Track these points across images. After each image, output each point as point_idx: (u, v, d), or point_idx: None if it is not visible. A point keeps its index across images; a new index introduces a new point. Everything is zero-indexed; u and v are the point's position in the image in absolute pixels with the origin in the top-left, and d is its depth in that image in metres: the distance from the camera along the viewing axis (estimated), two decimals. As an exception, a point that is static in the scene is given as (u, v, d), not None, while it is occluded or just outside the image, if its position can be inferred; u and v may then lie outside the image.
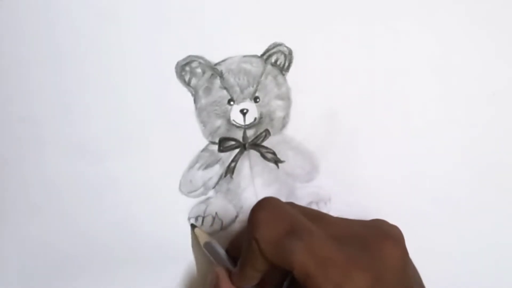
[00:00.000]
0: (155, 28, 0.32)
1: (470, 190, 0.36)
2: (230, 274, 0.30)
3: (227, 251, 0.33)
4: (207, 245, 0.33)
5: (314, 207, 0.35)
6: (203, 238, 0.33)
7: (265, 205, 0.28)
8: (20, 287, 0.33)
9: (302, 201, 0.35)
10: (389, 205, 0.35)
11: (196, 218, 0.34)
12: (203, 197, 0.34)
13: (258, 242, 0.27)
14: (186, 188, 0.34)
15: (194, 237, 0.34)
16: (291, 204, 0.30)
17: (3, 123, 0.32)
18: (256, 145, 0.34)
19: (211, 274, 0.31)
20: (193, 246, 0.34)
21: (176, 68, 0.33)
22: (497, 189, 0.37)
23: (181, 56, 0.33)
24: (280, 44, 0.33)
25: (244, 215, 0.35)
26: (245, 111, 0.34)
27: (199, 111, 0.33)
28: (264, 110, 0.34)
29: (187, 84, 0.33)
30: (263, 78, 0.34)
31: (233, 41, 0.33)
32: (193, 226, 0.34)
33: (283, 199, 0.34)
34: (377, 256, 0.26)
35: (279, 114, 0.34)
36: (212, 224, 0.34)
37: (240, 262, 0.29)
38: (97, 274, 0.34)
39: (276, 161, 0.35)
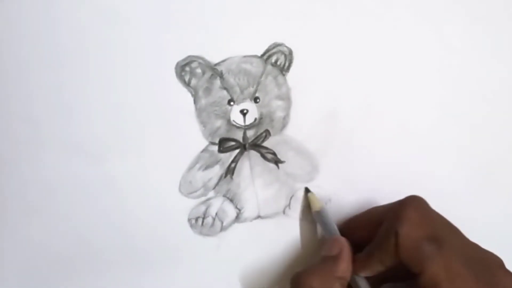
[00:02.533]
0: (155, 28, 0.32)
1: (469, 190, 0.36)
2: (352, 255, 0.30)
3: (340, 229, 0.32)
4: (318, 214, 0.33)
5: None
6: (315, 206, 0.33)
7: (414, 203, 0.28)
8: (19, 287, 0.33)
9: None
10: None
11: (196, 219, 0.34)
12: (203, 198, 0.34)
13: (398, 237, 0.27)
14: (186, 189, 0.34)
15: (306, 202, 0.34)
16: (435, 211, 0.30)
17: (3, 123, 0.32)
18: (256, 145, 0.34)
19: (332, 241, 0.31)
20: (302, 209, 0.34)
21: (176, 68, 0.33)
22: (497, 189, 0.37)
23: (181, 56, 0.33)
24: (280, 44, 0.33)
25: (245, 215, 0.34)
26: (245, 111, 0.34)
27: (199, 111, 0.33)
28: (264, 110, 0.34)
29: (187, 84, 0.33)
30: (263, 78, 0.34)
31: (233, 41, 0.33)
32: (307, 190, 0.34)
33: (283, 199, 0.35)
34: (497, 284, 0.27)
35: (279, 114, 0.34)
36: (212, 225, 0.34)
37: (369, 249, 0.29)
38: (97, 274, 0.34)
39: (276, 161, 0.34)
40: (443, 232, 0.28)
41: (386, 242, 0.28)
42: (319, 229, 0.33)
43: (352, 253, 0.30)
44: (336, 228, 0.32)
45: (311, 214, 0.34)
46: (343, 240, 0.31)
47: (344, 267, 0.29)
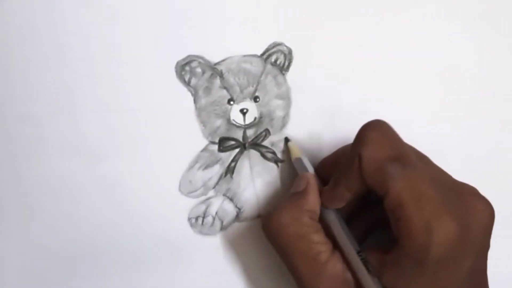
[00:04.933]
0: (155, 28, 0.32)
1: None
2: (320, 189, 0.30)
3: (316, 170, 0.32)
4: (298, 160, 0.33)
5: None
6: (295, 154, 0.33)
7: (376, 126, 0.28)
8: (19, 287, 0.33)
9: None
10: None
11: (196, 219, 0.34)
12: (203, 198, 0.34)
13: (362, 159, 0.26)
14: (186, 188, 0.34)
15: (287, 150, 0.34)
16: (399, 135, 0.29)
17: (3, 123, 0.32)
18: (256, 144, 0.34)
19: (299, 177, 0.31)
20: (284, 159, 0.34)
21: (176, 68, 0.33)
22: (497, 190, 0.37)
23: (181, 56, 0.33)
24: (280, 44, 0.34)
25: (245, 214, 0.34)
26: (245, 110, 0.34)
27: (199, 111, 0.33)
28: (264, 109, 0.34)
29: (187, 84, 0.33)
30: (263, 77, 0.34)
31: (233, 41, 0.33)
32: (286, 140, 0.34)
33: (283, 199, 0.34)
34: (469, 210, 0.26)
35: (279, 113, 0.34)
36: (212, 225, 0.34)
37: (334, 178, 0.29)
38: (97, 274, 0.34)
39: (276, 160, 0.34)
40: (407, 153, 0.27)
41: (351, 167, 0.27)
42: None
43: (321, 187, 0.30)
44: (313, 170, 0.32)
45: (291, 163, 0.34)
46: (309, 174, 0.30)
47: (310, 199, 0.29)
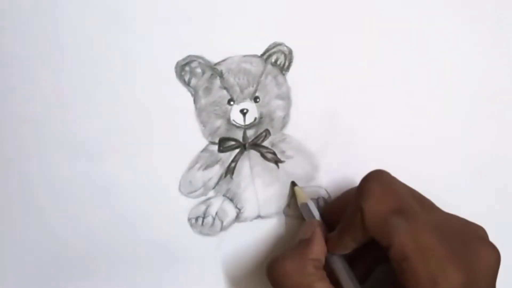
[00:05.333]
0: (155, 28, 0.32)
1: (470, 190, 0.36)
2: (325, 236, 0.30)
3: (322, 215, 0.32)
4: (304, 206, 0.33)
5: (314, 206, 0.35)
6: (301, 198, 0.33)
7: (378, 178, 0.28)
8: (20, 286, 0.33)
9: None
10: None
11: (196, 219, 0.34)
12: (203, 198, 0.34)
13: (363, 212, 0.27)
14: (186, 188, 0.34)
15: (293, 195, 0.34)
16: (402, 183, 0.29)
17: (4, 123, 0.32)
18: (256, 145, 0.34)
19: (305, 224, 0.31)
20: (289, 203, 0.34)
21: (176, 68, 0.33)
22: (497, 190, 0.37)
23: (181, 56, 0.33)
24: (280, 44, 0.33)
25: (245, 214, 0.34)
26: (245, 111, 0.34)
27: (199, 111, 0.33)
28: (264, 110, 0.34)
29: (187, 84, 0.33)
30: (263, 78, 0.34)
31: (233, 41, 0.33)
32: (293, 184, 0.34)
33: (283, 199, 0.34)
34: (474, 257, 0.26)
35: (279, 114, 0.34)
36: (212, 225, 0.34)
37: (339, 227, 0.29)
38: (97, 274, 0.34)
39: (276, 161, 0.34)
40: (410, 204, 0.27)
41: (353, 219, 0.27)
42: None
43: (327, 233, 0.30)
44: (318, 216, 0.32)
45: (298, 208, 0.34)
46: (315, 222, 0.31)
47: (316, 248, 0.29)
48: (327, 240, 0.30)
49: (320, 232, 0.30)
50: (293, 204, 0.34)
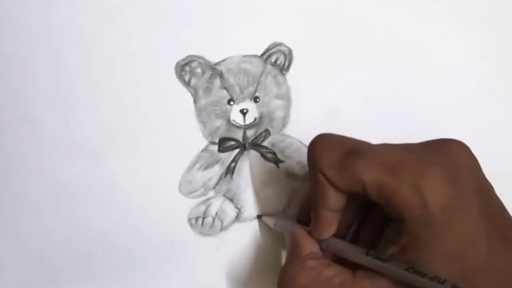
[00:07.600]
0: (155, 28, 0.32)
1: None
2: (308, 231, 0.29)
3: (298, 221, 0.32)
4: (277, 225, 0.32)
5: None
6: (270, 222, 0.33)
7: (318, 139, 0.27)
8: (20, 286, 0.33)
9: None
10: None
11: (196, 219, 0.34)
12: (203, 198, 0.34)
13: (324, 171, 0.26)
14: (186, 189, 0.34)
15: (263, 226, 0.34)
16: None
17: (4, 124, 0.32)
18: (256, 145, 0.34)
19: (286, 236, 0.30)
20: (289, 203, 0.35)
21: (176, 68, 0.33)
22: (497, 190, 0.37)
23: (181, 56, 0.33)
24: (280, 44, 0.33)
25: (245, 214, 0.34)
26: (245, 111, 0.34)
27: (199, 111, 0.33)
28: (264, 110, 0.34)
29: (187, 84, 0.33)
30: (263, 78, 0.34)
31: (233, 41, 0.33)
32: (259, 217, 0.34)
33: (283, 199, 0.35)
34: (447, 155, 0.25)
35: (279, 114, 0.34)
36: (212, 225, 0.34)
37: (312, 209, 0.28)
38: (96, 274, 0.34)
39: (276, 161, 0.34)
40: (359, 142, 0.27)
41: (320, 187, 0.26)
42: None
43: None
44: (294, 222, 0.32)
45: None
46: (291, 228, 0.30)
47: (305, 244, 0.28)
48: (309, 233, 0.29)
49: (299, 230, 0.29)
50: (293, 204, 0.34)
